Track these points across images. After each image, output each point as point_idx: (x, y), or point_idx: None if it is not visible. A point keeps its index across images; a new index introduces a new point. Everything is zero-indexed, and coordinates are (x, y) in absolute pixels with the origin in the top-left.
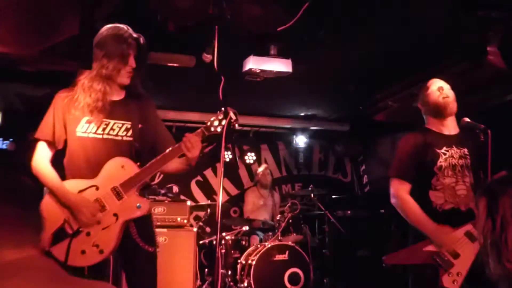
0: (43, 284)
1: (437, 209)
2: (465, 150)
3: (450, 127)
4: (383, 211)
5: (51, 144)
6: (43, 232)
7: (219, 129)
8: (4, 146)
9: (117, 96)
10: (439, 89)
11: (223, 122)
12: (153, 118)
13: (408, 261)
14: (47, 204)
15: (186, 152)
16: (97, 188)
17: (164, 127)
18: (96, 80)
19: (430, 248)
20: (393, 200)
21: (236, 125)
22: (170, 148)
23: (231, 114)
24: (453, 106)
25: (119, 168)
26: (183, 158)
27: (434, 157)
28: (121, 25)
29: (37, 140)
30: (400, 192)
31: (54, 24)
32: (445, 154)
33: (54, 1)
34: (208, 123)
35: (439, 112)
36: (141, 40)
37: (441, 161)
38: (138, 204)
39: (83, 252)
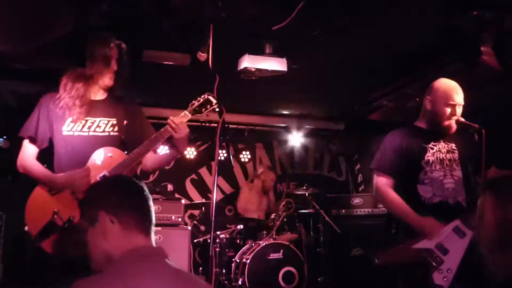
0: (168, 269)
1: (425, 202)
2: (453, 145)
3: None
4: (377, 210)
5: (33, 140)
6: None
7: (201, 112)
8: None
9: (100, 96)
10: (454, 111)
11: (205, 107)
12: (137, 114)
13: (398, 260)
14: (37, 197)
15: (173, 133)
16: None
17: (149, 123)
18: (77, 80)
19: (420, 245)
20: (375, 194)
21: (217, 109)
22: (156, 133)
23: (211, 98)
24: (454, 127)
25: (106, 157)
26: (172, 149)
27: (421, 152)
28: (105, 32)
29: (22, 138)
30: (381, 185)
31: (48, 22)
32: (432, 148)
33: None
34: (190, 107)
35: (438, 129)
36: (122, 45)
37: (429, 156)
38: None
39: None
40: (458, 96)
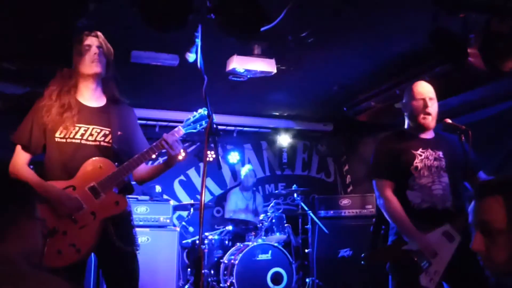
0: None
1: (415, 208)
2: (440, 153)
3: (426, 133)
4: (365, 211)
5: (26, 147)
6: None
7: (195, 128)
8: None
9: (96, 103)
10: (424, 104)
11: (199, 123)
12: (132, 126)
13: (387, 260)
14: None
15: (168, 149)
16: (74, 188)
17: (142, 135)
18: (67, 85)
19: (409, 247)
20: (379, 201)
21: (214, 125)
22: (149, 147)
23: (205, 113)
24: (432, 124)
25: (96, 168)
26: (162, 163)
27: (410, 158)
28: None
29: (15, 144)
30: (385, 191)
31: (35, 22)
32: (421, 155)
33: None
34: (184, 122)
35: (418, 127)
36: (99, 36)
37: (417, 162)
38: (116, 201)
39: (59, 252)
40: (423, 88)
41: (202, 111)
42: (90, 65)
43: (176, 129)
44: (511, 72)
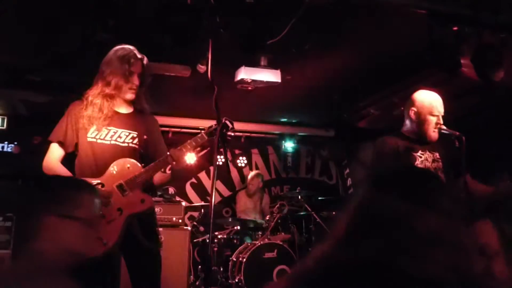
0: None
1: None
2: (437, 154)
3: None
4: None
5: (62, 144)
6: None
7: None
8: (9, 149)
9: (126, 110)
10: (438, 120)
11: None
12: (156, 133)
13: None
14: None
15: (172, 164)
16: (103, 185)
17: (163, 142)
18: (97, 97)
19: None
20: None
21: (231, 133)
22: (159, 160)
23: (228, 123)
24: (437, 135)
25: (124, 168)
26: (167, 172)
27: (410, 160)
28: (127, 46)
29: (49, 142)
30: None
31: (57, 36)
32: (420, 157)
33: (57, 14)
34: (198, 136)
35: (423, 136)
36: (145, 60)
37: (418, 163)
38: (141, 199)
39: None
40: (441, 106)
41: (223, 121)
42: (128, 91)
43: (185, 144)
44: (502, 82)
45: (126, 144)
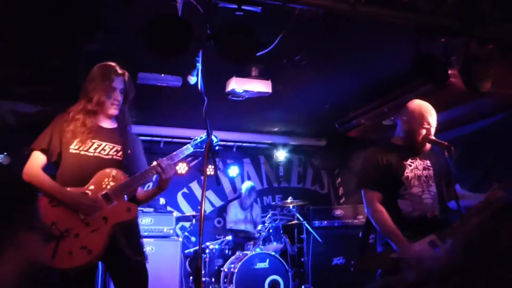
0: None
1: (406, 216)
2: (428, 162)
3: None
4: (357, 221)
5: (45, 151)
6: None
7: (202, 148)
8: None
9: (109, 125)
10: (427, 131)
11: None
12: (138, 149)
13: (375, 267)
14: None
15: (161, 174)
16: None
17: (145, 159)
18: (79, 113)
19: (397, 254)
20: (367, 210)
21: (216, 147)
22: (145, 169)
23: (213, 137)
24: (427, 145)
25: (109, 177)
26: (155, 186)
27: (400, 168)
28: (109, 63)
29: (32, 150)
30: (373, 202)
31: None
32: (410, 165)
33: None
34: (192, 141)
35: (413, 146)
36: (126, 76)
37: (408, 172)
38: (127, 207)
39: (70, 253)
40: (433, 118)
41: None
42: (110, 107)
43: (172, 154)
44: (489, 92)
45: (110, 157)
